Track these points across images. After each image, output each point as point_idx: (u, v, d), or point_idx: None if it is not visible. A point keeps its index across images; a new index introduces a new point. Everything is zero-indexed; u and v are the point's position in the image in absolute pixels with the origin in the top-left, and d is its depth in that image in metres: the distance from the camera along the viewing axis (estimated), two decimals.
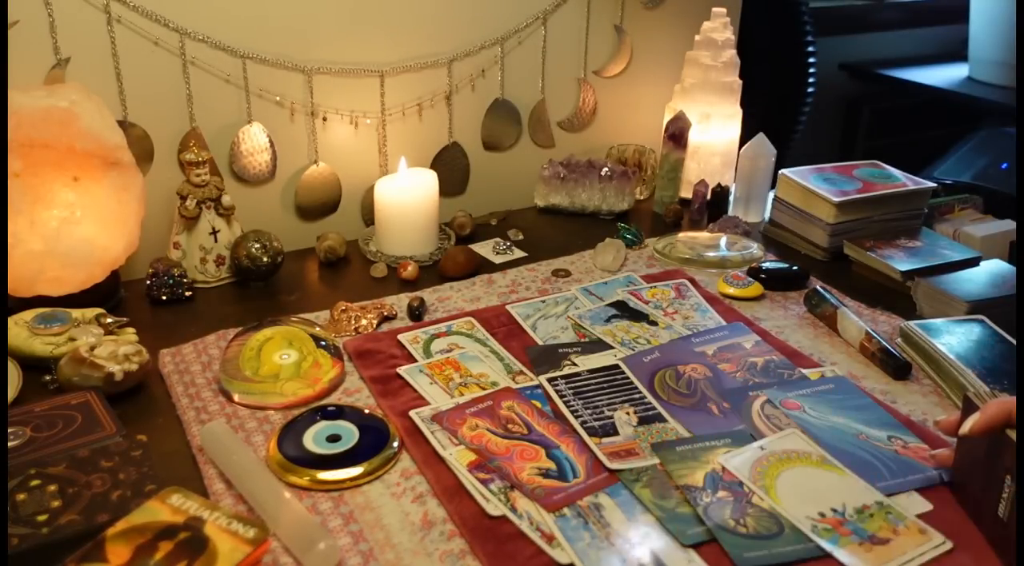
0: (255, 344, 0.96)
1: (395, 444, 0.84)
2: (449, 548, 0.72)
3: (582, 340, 1.04)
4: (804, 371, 0.97)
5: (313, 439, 0.83)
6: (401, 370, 0.96)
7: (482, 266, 1.25)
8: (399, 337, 1.02)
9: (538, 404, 0.90)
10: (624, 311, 1.10)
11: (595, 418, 0.87)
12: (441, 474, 0.79)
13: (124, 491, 0.73)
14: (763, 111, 1.74)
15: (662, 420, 0.88)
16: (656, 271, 1.23)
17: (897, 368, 0.97)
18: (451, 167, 1.42)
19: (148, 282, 1.12)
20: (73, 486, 0.73)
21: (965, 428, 0.74)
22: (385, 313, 1.09)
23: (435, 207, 1.26)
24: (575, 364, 0.98)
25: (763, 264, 1.21)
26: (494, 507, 0.75)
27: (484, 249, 1.30)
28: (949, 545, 0.71)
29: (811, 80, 1.81)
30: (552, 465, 0.80)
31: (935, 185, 1.33)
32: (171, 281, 1.12)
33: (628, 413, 0.88)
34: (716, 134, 1.47)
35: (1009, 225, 1.31)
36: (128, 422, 0.85)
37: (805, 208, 1.30)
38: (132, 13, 1.12)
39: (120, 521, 0.68)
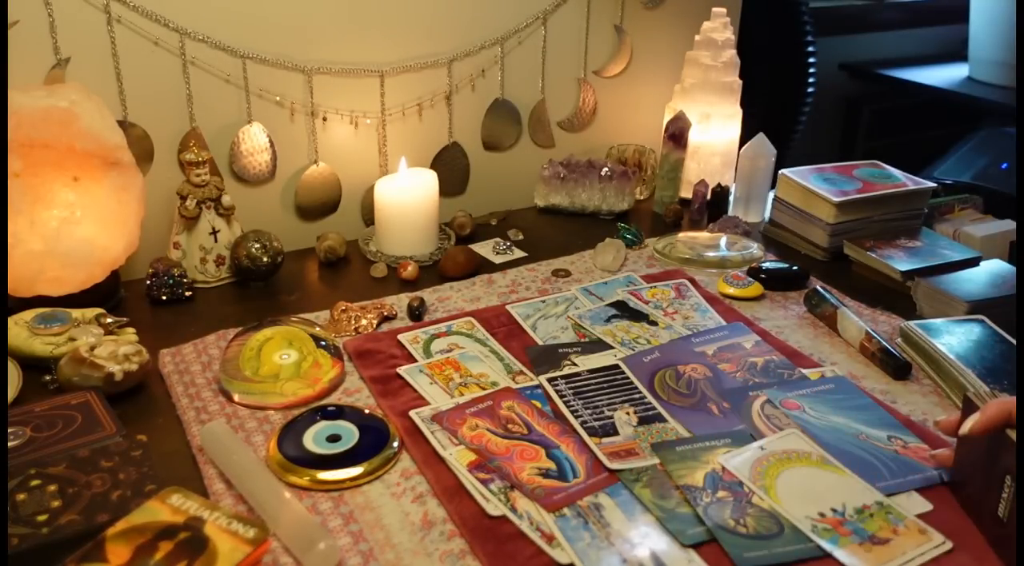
0: (255, 344, 0.96)
1: (395, 444, 0.84)
2: (449, 548, 0.72)
3: (582, 340, 1.04)
4: (804, 371, 0.97)
5: (313, 439, 0.83)
6: (401, 370, 0.96)
7: (482, 266, 1.25)
8: (399, 337, 1.03)
9: (538, 404, 0.90)
10: (624, 311, 1.10)
11: (595, 418, 0.87)
12: (441, 474, 0.79)
13: (124, 491, 0.73)
14: (763, 111, 1.74)
15: (662, 420, 0.88)
16: (656, 271, 1.23)
17: (897, 368, 0.97)
18: (451, 167, 1.42)
19: (148, 282, 1.12)
20: (73, 486, 0.73)
21: (965, 428, 0.74)
22: (385, 313, 1.09)
23: (435, 207, 1.26)
24: (575, 364, 0.98)
25: (763, 264, 1.21)
26: (494, 507, 0.75)
27: (484, 249, 1.30)
28: (949, 545, 0.71)
29: (811, 80, 1.81)
30: (552, 465, 0.80)
31: (935, 185, 1.33)
32: (171, 281, 1.12)
33: (628, 413, 0.88)
34: (716, 134, 1.47)
35: (1009, 225, 1.31)
36: (128, 422, 0.85)
37: (805, 208, 1.30)
38: (132, 13, 1.12)
39: (120, 521, 0.68)
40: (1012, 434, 0.70)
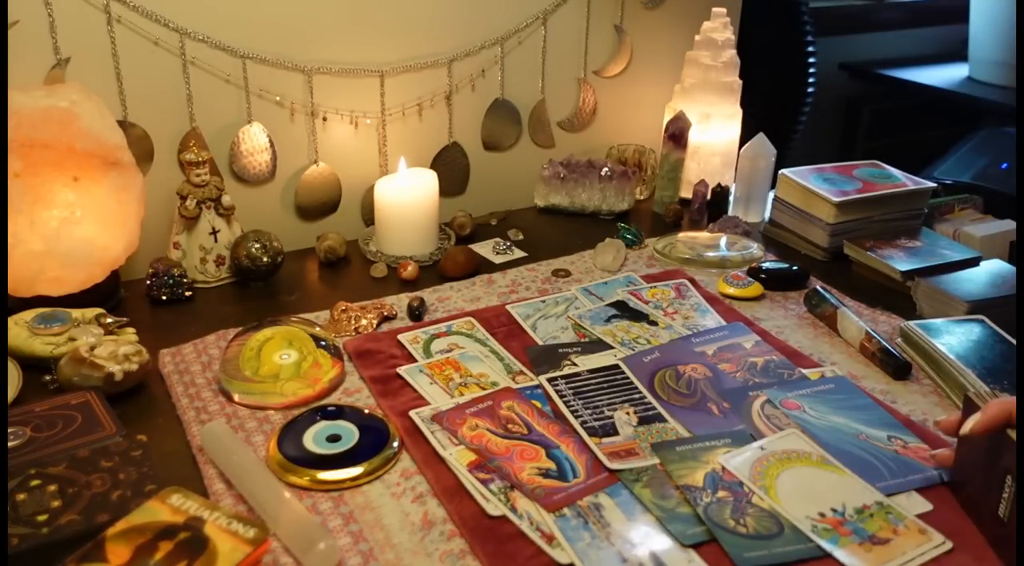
0: (255, 344, 0.96)
1: (395, 444, 0.84)
2: (449, 548, 0.72)
3: (582, 340, 1.04)
4: (804, 371, 0.97)
5: (313, 439, 0.83)
6: (401, 370, 0.96)
7: (482, 266, 1.25)
8: (399, 337, 1.02)
9: (538, 404, 0.90)
10: (624, 311, 1.10)
11: (595, 418, 0.87)
12: (441, 474, 0.79)
13: (124, 491, 0.73)
14: (763, 111, 1.74)
15: (662, 420, 0.88)
16: (656, 271, 1.23)
17: (897, 368, 0.97)
18: (451, 167, 1.42)
19: (148, 282, 1.12)
20: (73, 486, 0.73)
21: (965, 428, 0.74)
22: (385, 313, 1.09)
23: (435, 207, 1.26)
24: (575, 364, 0.97)
25: (763, 264, 1.21)
26: (494, 507, 0.75)
27: (484, 249, 1.30)
28: (949, 545, 0.71)
29: (811, 80, 1.81)
30: (552, 465, 0.80)
31: (935, 185, 1.33)
32: (171, 281, 1.12)
33: (628, 413, 0.88)
34: (716, 134, 1.47)
35: (1009, 225, 1.31)
36: (128, 422, 0.85)
37: (805, 208, 1.30)
38: (132, 13, 1.12)
39: (120, 521, 0.68)
40: (1012, 434, 0.70)
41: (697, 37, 1.45)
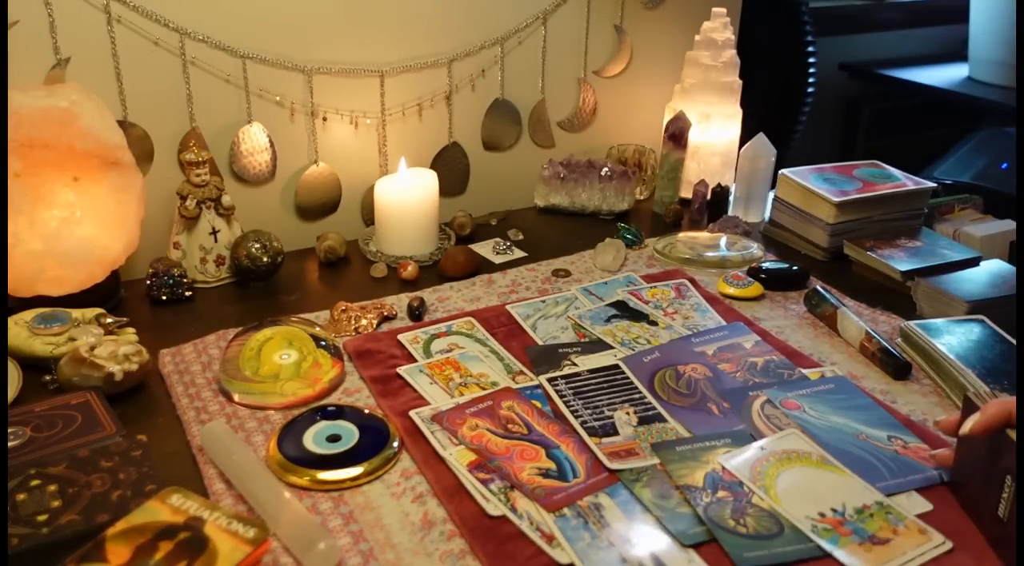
0: (255, 344, 0.96)
1: (395, 444, 0.84)
2: (449, 548, 0.72)
3: (582, 340, 1.04)
4: (804, 371, 0.97)
5: (313, 439, 0.83)
6: (401, 370, 0.96)
7: (482, 266, 1.25)
8: (399, 337, 1.02)
9: (538, 404, 0.90)
10: (624, 311, 1.10)
11: (595, 418, 0.87)
12: (441, 474, 0.79)
13: (124, 491, 0.73)
14: (763, 111, 1.74)
15: (662, 420, 0.88)
16: (656, 271, 1.23)
17: (897, 368, 0.97)
18: (451, 167, 1.42)
19: (148, 282, 1.12)
20: (73, 486, 0.73)
21: (965, 428, 0.74)
22: (385, 313, 1.09)
23: (435, 207, 1.26)
24: (575, 364, 0.97)
25: (763, 264, 1.21)
26: (494, 507, 0.75)
27: (484, 249, 1.30)
28: (949, 545, 0.71)
29: (811, 80, 1.81)
30: (552, 465, 0.80)
31: (935, 185, 1.33)
32: (171, 281, 1.12)
33: (628, 413, 0.88)
34: (716, 134, 1.47)
35: (1009, 225, 1.31)
36: (128, 422, 0.85)
37: (805, 208, 1.30)
38: (132, 13, 1.12)
39: (120, 521, 0.68)
40: (1012, 434, 0.70)
41: (697, 37, 1.45)
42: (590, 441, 0.83)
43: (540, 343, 1.03)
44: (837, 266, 1.26)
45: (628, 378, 0.94)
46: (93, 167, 1.03)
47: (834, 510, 0.74)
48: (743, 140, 1.43)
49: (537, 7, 1.40)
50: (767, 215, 1.41)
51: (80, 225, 1.03)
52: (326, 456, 0.81)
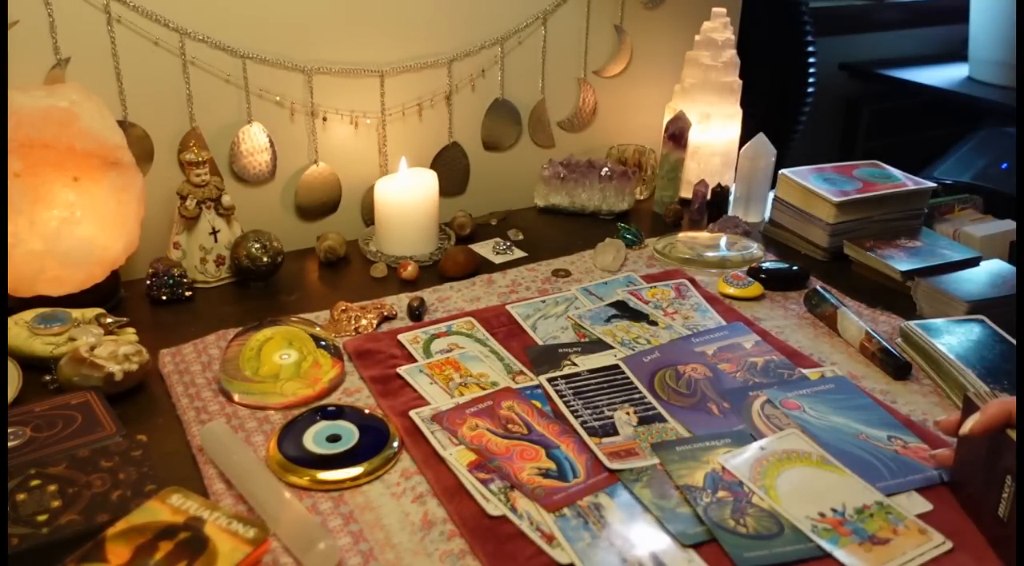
0: (255, 344, 0.96)
1: (395, 444, 0.84)
2: (449, 548, 0.72)
3: (582, 340, 1.04)
4: (804, 371, 0.97)
5: (313, 439, 0.83)
6: (401, 370, 0.95)
7: (482, 266, 1.25)
8: (399, 337, 1.02)
9: (538, 404, 0.90)
10: (624, 311, 1.10)
11: (595, 418, 0.87)
12: (441, 474, 0.79)
13: (124, 491, 0.73)
14: (763, 111, 1.74)
15: (662, 420, 0.88)
16: (656, 271, 1.23)
17: (897, 368, 0.97)
18: (451, 167, 1.42)
19: (148, 282, 1.12)
20: (73, 486, 0.73)
21: (965, 428, 0.74)
22: (385, 313, 1.09)
23: (435, 207, 1.26)
24: (575, 364, 0.97)
25: (763, 264, 1.21)
26: (494, 507, 0.75)
27: (484, 249, 1.30)
28: (949, 545, 0.71)
29: (811, 80, 1.81)
30: (552, 465, 0.80)
31: (935, 185, 1.33)
32: (171, 281, 1.12)
33: (628, 413, 0.88)
34: (716, 134, 1.47)
35: (1009, 225, 1.31)
36: (128, 422, 0.85)
37: (805, 208, 1.30)
38: (132, 13, 1.12)
39: (120, 521, 0.68)
40: (1012, 434, 0.70)
41: (697, 37, 1.45)
42: (590, 441, 0.83)
43: (540, 343, 1.03)
44: (837, 266, 1.26)
45: (628, 378, 0.94)
46: (93, 167, 1.03)
47: (834, 510, 0.74)
48: (743, 140, 1.43)
49: (537, 7, 1.40)
50: (767, 215, 1.41)
51: (80, 225, 1.03)
52: (326, 456, 0.81)
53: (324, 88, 1.27)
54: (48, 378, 0.93)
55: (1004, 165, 1.93)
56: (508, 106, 1.44)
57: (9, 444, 0.79)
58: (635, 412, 0.88)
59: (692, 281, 1.19)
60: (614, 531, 0.73)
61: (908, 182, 1.31)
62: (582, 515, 0.74)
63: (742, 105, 1.48)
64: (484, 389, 0.92)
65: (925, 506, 0.76)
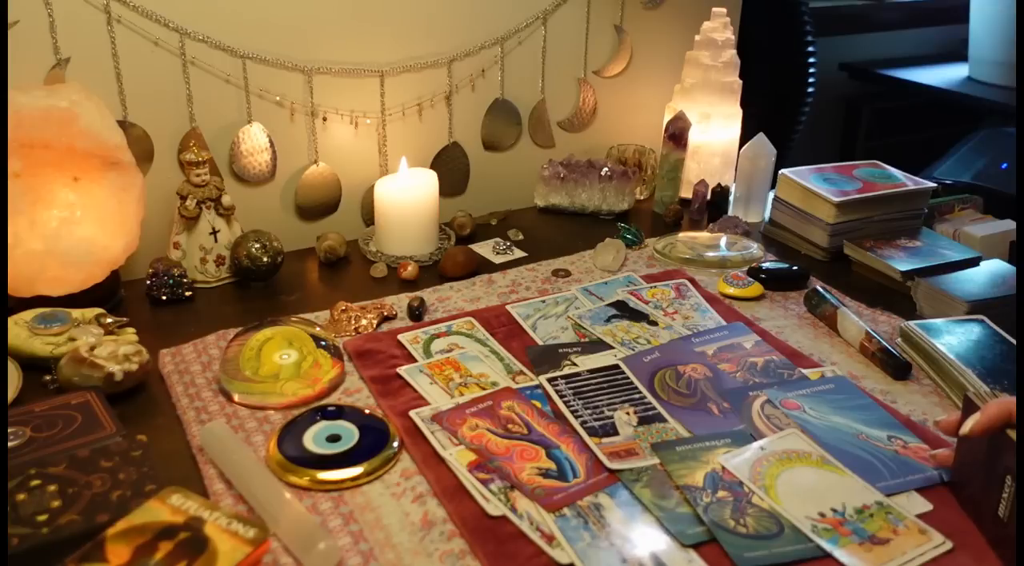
0: (255, 344, 0.96)
1: (395, 444, 0.84)
2: (449, 548, 0.72)
3: (582, 340, 1.04)
4: (804, 371, 0.97)
5: (313, 439, 0.83)
6: (401, 370, 0.96)
7: (482, 266, 1.24)
8: (399, 337, 1.02)
9: (538, 404, 0.90)
10: (624, 311, 1.10)
11: (595, 418, 0.87)
12: (441, 474, 0.79)
13: (124, 491, 0.73)
14: (763, 111, 1.74)
15: (662, 420, 0.88)
16: (656, 271, 1.23)
17: (897, 368, 0.97)
18: (451, 167, 1.42)
19: (148, 282, 1.12)
20: (73, 486, 0.73)
21: (965, 428, 0.74)
22: (385, 313, 1.09)
23: (435, 207, 1.26)
24: (575, 364, 0.97)
25: (763, 264, 1.21)
26: (494, 507, 0.75)
27: (484, 249, 1.30)
28: (949, 545, 0.71)
29: (811, 80, 1.81)
30: (552, 465, 0.80)
31: (935, 185, 1.33)
32: (171, 281, 1.12)
33: (628, 413, 0.88)
34: (716, 134, 1.47)
35: (1009, 225, 1.31)
36: (128, 422, 0.85)
37: (805, 208, 1.30)
38: (132, 13, 1.12)
39: (120, 521, 0.68)
40: (1012, 434, 0.70)
41: (697, 37, 1.45)
42: (590, 441, 0.83)
43: (540, 343, 1.03)
44: (837, 266, 1.26)
45: (628, 378, 0.94)
46: (93, 167, 1.03)
47: (834, 510, 0.74)
48: (743, 140, 1.43)
49: (537, 7, 1.40)
50: (767, 215, 1.41)
51: (80, 225, 1.03)
52: (326, 456, 0.81)
53: (324, 88, 1.27)
54: (48, 378, 0.93)
55: (1004, 165, 1.93)
56: (508, 106, 1.44)
57: (9, 444, 0.79)
58: (635, 412, 0.88)
59: (692, 281, 1.19)
60: (614, 531, 0.73)
61: (908, 182, 1.31)
62: (582, 515, 0.74)
63: (742, 105, 1.48)
64: (484, 389, 0.92)
65: (925, 506, 0.76)
